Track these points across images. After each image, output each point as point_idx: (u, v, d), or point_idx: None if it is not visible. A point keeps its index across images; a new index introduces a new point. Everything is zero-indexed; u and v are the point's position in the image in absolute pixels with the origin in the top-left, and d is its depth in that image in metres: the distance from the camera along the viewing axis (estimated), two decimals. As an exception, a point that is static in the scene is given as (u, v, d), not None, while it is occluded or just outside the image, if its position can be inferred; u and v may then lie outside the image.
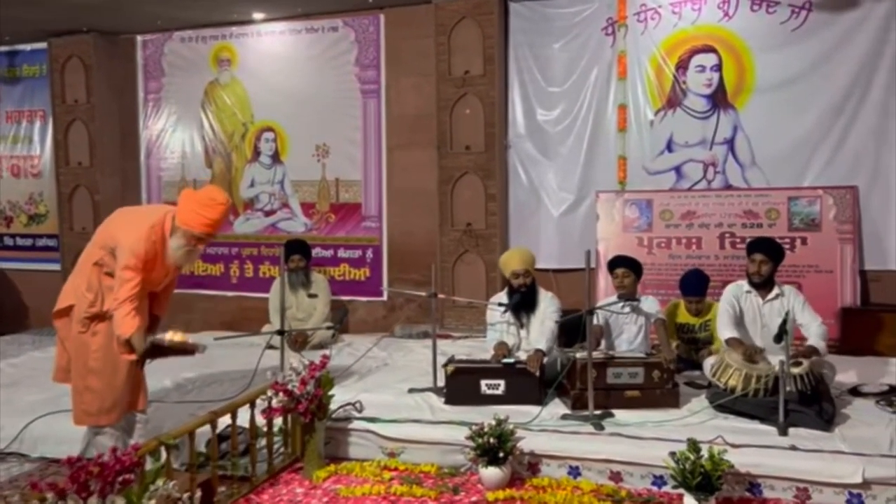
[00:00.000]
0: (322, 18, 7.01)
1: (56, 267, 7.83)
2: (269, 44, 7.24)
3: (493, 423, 3.59)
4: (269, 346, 5.94)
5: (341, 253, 7.10)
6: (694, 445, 3.29)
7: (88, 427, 3.68)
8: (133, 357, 3.47)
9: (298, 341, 5.86)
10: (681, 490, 3.30)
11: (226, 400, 4.57)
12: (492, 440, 3.51)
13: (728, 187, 5.97)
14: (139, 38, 7.66)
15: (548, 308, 4.73)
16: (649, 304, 4.87)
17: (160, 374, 4.79)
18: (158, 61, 7.61)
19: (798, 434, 3.70)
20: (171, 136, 7.64)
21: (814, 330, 4.28)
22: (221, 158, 7.46)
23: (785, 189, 5.80)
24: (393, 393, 4.57)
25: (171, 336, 3.53)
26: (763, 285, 4.40)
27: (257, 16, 7.08)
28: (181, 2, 6.63)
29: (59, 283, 7.56)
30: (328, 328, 5.43)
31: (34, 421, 4.26)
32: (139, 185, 7.77)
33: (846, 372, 4.63)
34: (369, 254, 7.02)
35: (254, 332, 5.83)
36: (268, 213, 7.32)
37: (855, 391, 4.39)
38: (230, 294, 7.46)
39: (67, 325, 3.66)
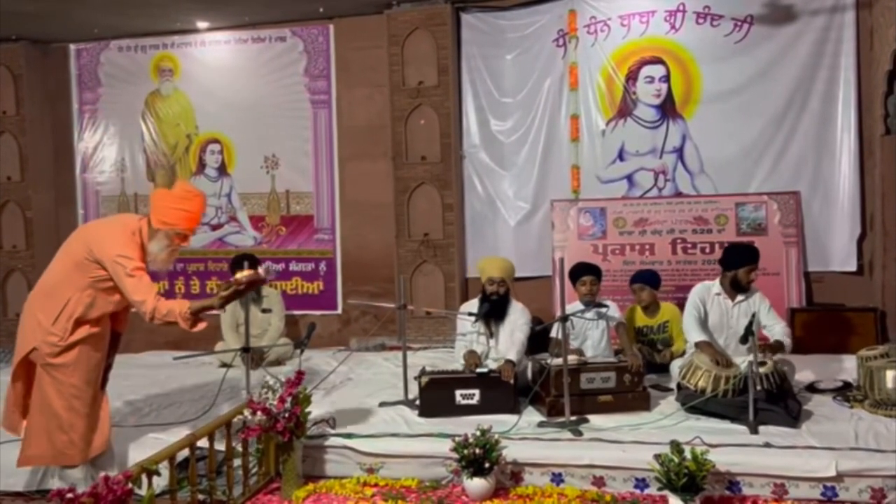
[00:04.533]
0: (269, 28, 6.88)
1: (-16, 288, 7.40)
2: (213, 53, 7.05)
3: (478, 433, 3.56)
4: (224, 365, 5.78)
5: (293, 266, 6.96)
6: (677, 447, 3.34)
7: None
8: (203, 325, 3.38)
9: (255, 358, 5.69)
10: (665, 492, 3.34)
11: (187, 422, 4.41)
12: (477, 451, 3.48)
13: (678, 194, 6.15)
14: (72, 46, 7.34)
15: (518, 319, 4.73)
16: (612, 309, 4.95)
17: (111, 397, 4.56)
18: (94, 71, 7.31)
19: (768, 431, 3.81)
20: (108, 149, 7.34)
21: (777, 331, 4.44)
22: (164, 171, 7.20)
23: (732, 195, 6.02)
24: (363, 408, 4.49)
25: (240, 276, 3.42)
26: (737, 289, 4.53)
27: (201, 25, 6.89)
28: (120, 10, 6.39)
29: (-13, 306, 7.31)
30: (297, 345, 5.28)
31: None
32: (75, 200, 7.42)
33: (800, 370, 4.79)
34: (322, 266, 6.90)
35: (210, 351, 5.64)
36: (215, 227, 7.10)
37: (812, 388, 4.56)
38: (175, 312, 7.17)
39: (30, 372, 3.47)
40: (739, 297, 4.52)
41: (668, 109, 6.15)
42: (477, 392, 4.27)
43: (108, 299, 3.49)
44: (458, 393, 4.26)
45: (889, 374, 4.09)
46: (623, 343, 4.81)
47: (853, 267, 5.88)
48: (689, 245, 6.04)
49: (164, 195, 3.60)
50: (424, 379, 4.29)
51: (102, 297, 3.49)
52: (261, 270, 3.48)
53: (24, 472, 3.89)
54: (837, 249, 5.92)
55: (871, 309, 5.63)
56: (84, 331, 3.45)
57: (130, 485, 2.41)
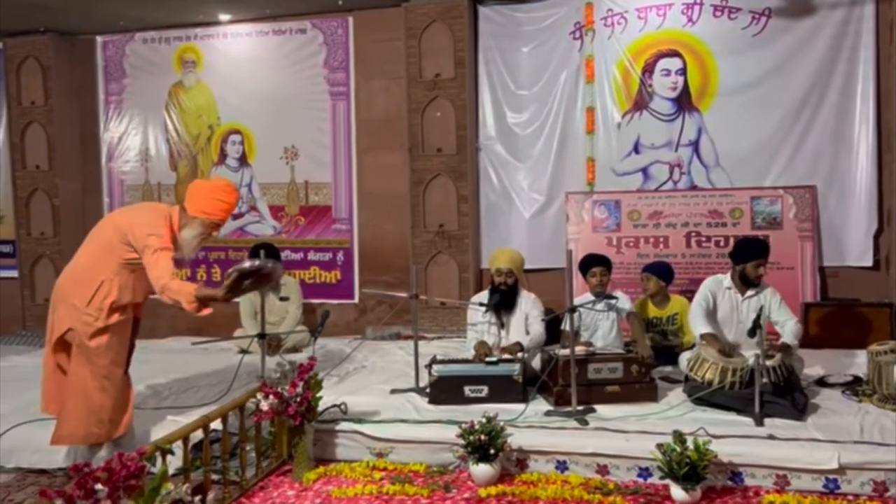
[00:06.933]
0: (290, 20, 6.98)
1: (13, 273, 7.63)
2: (235, 45, 7.17)
3: (483, 420, 3.63)
4: (243, 351, 5.91)
5: (311, 256, 7.08)
6: (680, 437, 3.39)
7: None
8: (207, 311, 3.46)
9: (272, 345, 5.81)
10: (667, 481, 3.39)
11: (204, 405, 4.53)
12: (483, 437, 3.55)
13: (693, 188, 6.15)
14: (99, 38, 7.52)
15: (532, 310, 4.79)
16: (622, 300, 4.99)
17: (133, 381, 4.71)
18: (119, 63, 7.48)
19: (773, 424, 3.83)
20: (133, 138, 7.51)
21: (789, 327, 4.43)
22: (187, 161, 7.36)
23: (747, 189, 6.01)
24: (375, 394, 4.58)
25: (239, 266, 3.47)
26: (746, 284, 4.54)
27: (224, 17, 7.01)
28: (145, 2, 6.52)
29: (17, 290, 7.51)
30: (312, 332, 5.40)
31: (7, 431, 4.14)
32: (100, 188, 7.61)
33: (811, 365, 4.80)
34: (340, 256, 7.01)
35: (227, 337, 5.77)
36: (235, 217, 7.22)
37: (821, 382, 4.56)
38: (197, 299, 7.33)
39: (66, 358, 3.62)
40: (750, 292, 4.52)
41: (684, 102, 6.15)
42: (485, 388, 4.32)
43: (141, 281, 3.62)
44: (466, 388, 4.33)
45: (898, 368, 4.09)
46: (635, 333, 4.85)
47: (869, 262, 5.86)
48: (704, 238, 6.06)
49: (205, 186, 3.77)
50: (434, 377, 4.35)
51: (134, 280, 3.62)
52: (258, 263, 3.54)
53: (51, 450, 4.05)
54: (853, 244, 5.89)
55: (887, 304, 5.61)
56: (116, 317, 3.60)
57: (144, 462, 2.52)
